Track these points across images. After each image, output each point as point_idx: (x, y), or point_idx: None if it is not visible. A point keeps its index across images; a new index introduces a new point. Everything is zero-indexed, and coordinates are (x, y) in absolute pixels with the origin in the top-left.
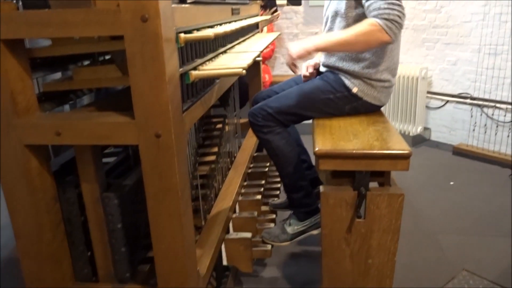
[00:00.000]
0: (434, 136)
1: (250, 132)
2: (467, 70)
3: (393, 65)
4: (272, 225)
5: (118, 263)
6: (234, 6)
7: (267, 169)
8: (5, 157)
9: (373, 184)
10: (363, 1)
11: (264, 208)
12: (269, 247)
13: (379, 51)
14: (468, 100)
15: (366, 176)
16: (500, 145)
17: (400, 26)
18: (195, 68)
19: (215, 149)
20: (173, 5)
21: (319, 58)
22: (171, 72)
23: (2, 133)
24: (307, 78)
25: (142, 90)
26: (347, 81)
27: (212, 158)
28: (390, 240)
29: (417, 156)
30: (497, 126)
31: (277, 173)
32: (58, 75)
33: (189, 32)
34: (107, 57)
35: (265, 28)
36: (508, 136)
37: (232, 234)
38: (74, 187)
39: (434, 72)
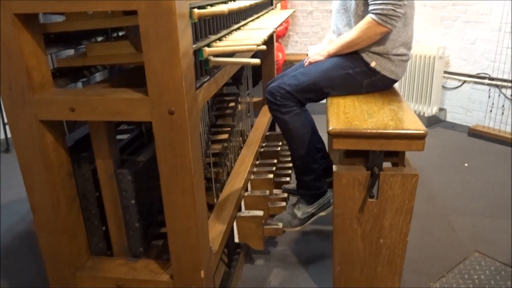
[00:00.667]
0: (449, 117)
1: (262, 111)
2: (486, 49)
3: (407, 39)
4: (283, 203)
5: (132, 238)
6: None
7: (279, 148)
8: (21, 133)
9: (386, 164)
10: None
11: (276, 190)
12: (280, 225)
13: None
14: (486, 81)
15: (380, 156)
16: None
17: (396, 16)
18: (208, 45)
19: (228, 128)
20: None
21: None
22: (185, 48)
23: (17, 108)
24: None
25: (156, 66)
26: (365, 56)
27: (225, 136)
28: (402, 221)
29: (431, 137)
30: None
31: (289, 153)
32: (71, 52)
33: (203, 7)
34: (121, 33)
35: (278, 5)
36: None
37: (244, 212)
38: (88, 163)
39: (452, 51)
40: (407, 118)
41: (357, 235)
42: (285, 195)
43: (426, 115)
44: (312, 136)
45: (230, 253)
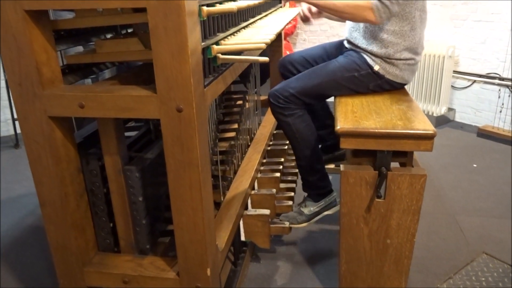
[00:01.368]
0: (458, 117)
1: (270, 109)
2: (497, 49)
3: (414, 44)
4: (290, 202)
5: (139, 234)
6: None
7: (286, 147)
8: (31, 128)
9: (393, 164)
10: None
11: (282, 185)
12: (287, 224)
13: (397, 31)
14: (497, 81)
15: (388, 155)
16: None
17: (389, 11)
18: (217, 43)
19: (235, 126)
20: None
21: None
22: (194, 46)
23: (27, 104)
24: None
25: (164, 63)
26: (369, 59)
27: (232, 134)
28: (410, 221)
29: (440, 137)
30: None
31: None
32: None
33: (212, 5)
34: (130, 30)
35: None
36: None
37: (251, 210)
38: (97, 159)
39: (462, 50)
40: (416, 118)
41: (364, 234)
42: (292, 193)
43: (435, 115)
44: (316, 136)
45: (236, 251)
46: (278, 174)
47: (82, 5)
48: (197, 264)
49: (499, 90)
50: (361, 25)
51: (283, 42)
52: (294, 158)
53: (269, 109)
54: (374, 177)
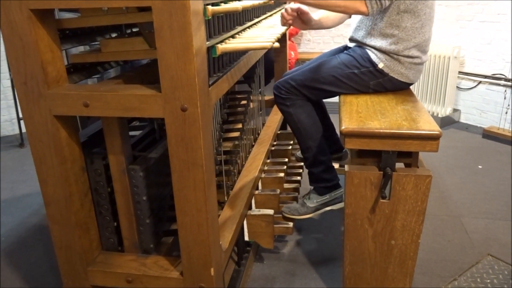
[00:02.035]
0: (463, 118)
1: (274, 110)
2: (503, 50)
3: (423, 42)
4: (294, 203)
5: (142, 234)
6: None
7: (290, 147)
8: (36, 127)
9: (398, 164)
10: None
11: (286, 185)
12: (290, 224)
13: (409, 28)
14: (502, 82)
15: (392, 156)
16: None
17: (380, 5)
18: (222, 42)
19: (239, 126)
20: None
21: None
22: (199, 45)
23: (32, 103)
24: (284, 20)
25: (169, 62)
26: (374, 56)
27: (236, 134)
28: (414, 222)
29: (445, 138)
30: None
31: (300, 151)
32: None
33: (217, 4)
34: (134, 29)
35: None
36: None
37: (255, 211)
38: (101, 158)
39: (467, 51)
40: (421, 118)
41: (368, 235)
42: (296, 194)
43: (440, 115)
44: (319, 127)
45: (240, 251)
46: (282, 174)
47: (87, 4)
48: (201, 264)
49: (505, 91)
50: (368, 23)
51: (288, 42)
52: (298, 159)
53: (273, 109)
54: (379, 177)
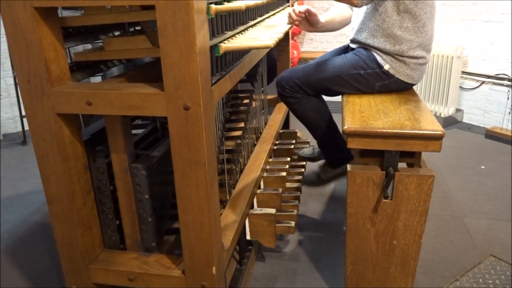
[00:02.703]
0: (466, 118)
1: (276, 108)
2: (506, 50)
3: (427, 41)
4: (296, 202)
5: (145, 232)
6: None
7: (292, 146)
8: (39, 125)
9: (401, 164)
10: None
11: (288, 184)
12: (292, 223)
13: (410, 27)
14: (505, 82)
15: (395, 156)
16: None
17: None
18: (225, 41)
19: (242, 125)
20: None
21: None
22: (202, 43)
23: (36, 101)
24: (291, 20)
25: (172, 61)
26: (379, 58)
27: (238, 133)
28: (417, 222)
29: (448, 138)
30: None
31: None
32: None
33: (220, 3)
34: (137, 28)
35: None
36: None
37: (257, 210)
38: (104, 156)
39: (471, 51)
40: (424, 118)
41: (370, 235)
42: (298, 193)
43: (442, 115)
44: (325, 116)
45: (242, 250)
46: (284, 174)
47: (91, 3)
48: (203, 262)
49: (508, 91)
50: (370, 24)
51: (290, 41)
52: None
53: (275, 108)
54: (381, 177)
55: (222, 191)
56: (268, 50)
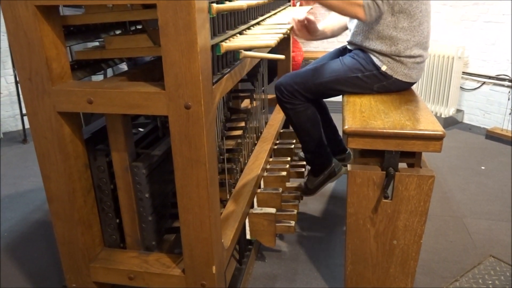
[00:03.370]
0: (467, 119)
1: (277, 108)
2: (507, 50)
3: (423, 39)
4: (296, 201)
5: (145, 231)
6: None
7: (293, 146)
8: (39, 123)
9: (401, 165)
10: None
11: (289, 184)
12: (292, 223)
13: (406, 27)
14: (506, 82)
15: (395, 156)
16: None
17: (379, 11)
18: (226, 40)
19: (242, 124)
20: None
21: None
22: (203, 43)
23: (37, 99)
24: (298, 26)
25: (173, 60)
26: (376, 59)
27: (239, 132)
28: (417, 222)
29: (448, 139)
30: None
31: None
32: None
33: (221, 2)
34: (138, 26)
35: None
36: None
37: (257, 209)
38: (104, 155)
39: (471, 51)
40: (424, 118)
41: (370, 235)
42: (298, 192)
43: (443, 116)
44: (318, 128)
45: (242, 250)
46: (284, 173)
47: (92, 1)
48: (203, 262)
49: (509, 92)
50: (365, 27)
51: (291, 40)
52: (300, 159)
53: (276, 108)
54: (382, 177)
55: (222, 190)
56: (269, 48)
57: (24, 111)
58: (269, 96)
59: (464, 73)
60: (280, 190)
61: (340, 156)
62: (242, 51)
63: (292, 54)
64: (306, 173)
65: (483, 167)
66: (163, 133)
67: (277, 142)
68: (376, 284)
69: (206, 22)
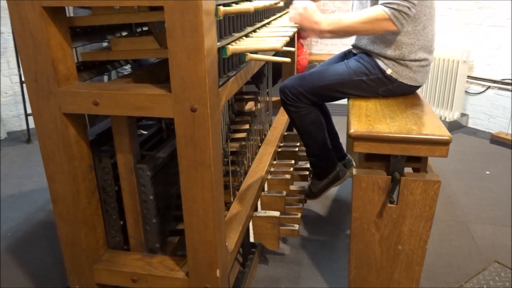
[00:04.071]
0: (471, 123)
1: (281, 111)
2: None
3: (428, 42)
4: (300, 205)
5: (149, 233)
6: None
7: (297, 149)
8: (45, 124)
9: (407, 169)
10: None
11: (292, 187)
12: (296, 226)
13: (410, 31)
14: (511, 87)
15: (401, 160)
16: None
17: (408, 16)
18: (232, 43)
19: (246, 126)
20: None
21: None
22: (210, 45)
23: (42, 100)
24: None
25: (180, 62)
26: (381, 63)
27: (243, 135)
28: (422, 227)
29: (452, 143)
30: None
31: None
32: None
33: (228, 5)
34: (144, 28)
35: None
36: None
37: (260, 212)
38: (109, 157)
39: (476, 55)
40: (430, 123)
41: (375, 239)
42: (302, 196)
43: (447, 120)
44: (322, 130)
45: (245, 253)
46: (288, 176)
47: (99, 3)
48: (207, 264)
49: None
50: None
51: (296, 43)
52: (304, 161)
53: (280, 110)
54: (387, 182)
55: (226, 193)
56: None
57: (28, 111)
58: (273, 99)
59: (469, 77)
60: (284, 193)
61: (340, 162)
62: (248, 53)
63: (297, 58)
64: (310, 176)
65: (487, 172)
66: (167, 135)
67: (281, 144)
68: None
69: (213, 25)
